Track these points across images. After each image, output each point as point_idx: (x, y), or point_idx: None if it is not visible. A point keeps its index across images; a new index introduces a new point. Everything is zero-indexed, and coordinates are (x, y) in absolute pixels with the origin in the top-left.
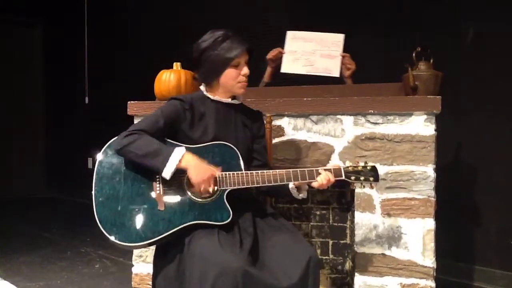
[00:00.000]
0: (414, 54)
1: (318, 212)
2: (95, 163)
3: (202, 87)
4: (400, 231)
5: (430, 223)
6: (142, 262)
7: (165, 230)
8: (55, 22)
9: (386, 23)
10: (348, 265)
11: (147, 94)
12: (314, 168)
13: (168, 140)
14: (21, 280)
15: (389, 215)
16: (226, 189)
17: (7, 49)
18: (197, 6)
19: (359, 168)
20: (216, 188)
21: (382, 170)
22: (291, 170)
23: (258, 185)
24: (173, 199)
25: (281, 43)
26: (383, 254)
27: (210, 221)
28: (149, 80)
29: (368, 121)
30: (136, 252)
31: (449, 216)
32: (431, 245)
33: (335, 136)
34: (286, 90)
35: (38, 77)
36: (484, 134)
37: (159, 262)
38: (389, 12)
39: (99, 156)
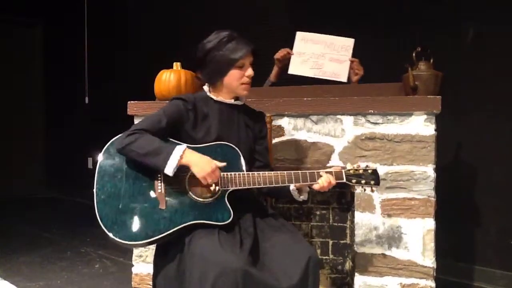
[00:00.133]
0: (414, 54)
1: (318, 212)
2: (95, 163)
3: (205, 88)
4: (400, 231)
5: (430, 223)
6: (142, 262)
7: (166, 229)
8: (55, 22)
9: (386, 23)
10: (348, 265)
11: (147, 94)
12: (315, 171)
13: (171, 139)
14: (21, 280)
15: (389, 215)
16: (227, 189)
17: (7, 49)
18: (197, 6)
19: (360, 171)
20: (217, 188)
21: (382, 170)
22: (292, 172)
23: (260, 186)
24: (175, 198)
25: (281, 43)
26: (383, 254)
27: (211, 221)
28: (149, 80)
29: (368, 121)
30: (136, 252)
31: (449, 216)
32: (431, 245)
33: (335, 136)
34: (286, 90)
35: (38, 77)
36: (484, 134)
37: (159, 261)
38: (389, 12)
39: (101, 154)
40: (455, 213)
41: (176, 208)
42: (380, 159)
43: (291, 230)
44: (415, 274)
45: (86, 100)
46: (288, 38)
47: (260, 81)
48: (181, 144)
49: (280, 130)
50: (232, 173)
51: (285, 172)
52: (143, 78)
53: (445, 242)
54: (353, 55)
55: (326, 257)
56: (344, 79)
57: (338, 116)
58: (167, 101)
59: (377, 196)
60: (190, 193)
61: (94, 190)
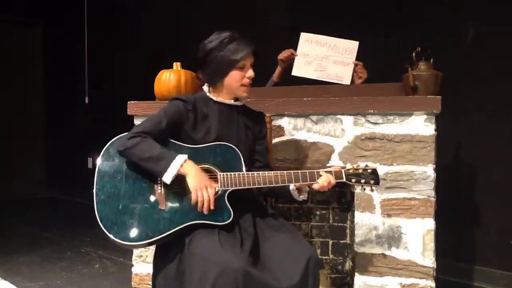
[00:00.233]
0: (414, 54)
1: (318, 212)
2: (95, 163)
3: (205, 88)
4: (400, 231)
5: (430, 223)
6: (142, 262)
7: (166, 229)
8: (55, 22)
9: (386, 23)
10: (348, 265)
11: (147, 94)
12: (315, 170)
13: (171, 140)
14: (21, 280)
15: (389, 215)
16: (227, 190)
17: (7, 49)
18: (197, 6)
19: (360, 170)
20: (217, 188)
21: (382, 170)
22: (292, 171)
23: (259, 186)
24: (175, 198)
25: (281, 43)
26: (383, 254)
27: (211, 221)
28: (149, 80)
29: (368, 121)
30: (136, 252)
31: (449, 216)
32: (431, 245)
33: (335, 136)
34: (286, 90)
35: (38, 77)
36: (484, 134)
37: (159, 262)
38: (389, 12)
39: (101, 155)
40: (455, 213)
41: (176, 209)
42: (380, 159)
43: (291, 230)
44: (415, 274)
45: (86, 100)
46: (288, 38)
47: (260, 81)
48: (182, 150)
49: (280, 130)
50: (232, 173)
51: (285, 172)
52: (143, 78)
53: (445, 242)
54: (356, 56)
55: (326, 257)
56: (347, 82)
57: (338, 116)
58: (167, 101)
59: (377, 196)
60: (190, 194)
61: (94, 190)
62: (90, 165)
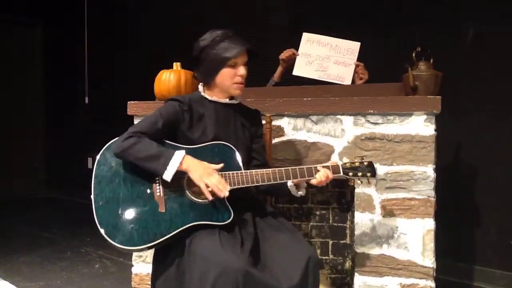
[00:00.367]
0: (414, 54)
1: (318, 212)
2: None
3: (200, 87)
4: (400, 231)
5: (430, 223)
6: (142, 262)
7: (167, 232)
8: (55, 22)
9: (386, 23)
10: (348, 265)
11: (147, 94)
12: (312, 166)
13: (167, 141)
14: (21, 280)
15: (389, 215)
16: None
17: (7, 49)
18: (197, 6)
19: (356, 164)
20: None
21: (382, 170)
22: (290, 168)
23: (258, 184)
24: (174, 200)
25: (281, 43)
26: (383, 254)
27: (211, 221)
28: (149, 80)
29: (368, 121)
30: (136, 252)
31: (449, 216)
32: (431, 245)
33: (335, 136)
34: (286, 90)
35: (38, 77)
36: (484, 134)
37: (159, 262)
38: (389, 12)
39: (97, 159)
40: (455, 213)
41: (176, 210)
42: (380, 159)
43: (291, 230)
44: (415, 274)
45: (86, 100)
46: (288, 38)
47: (260, 81)
48: (180, 149)
49: (280, 130)
50: (230, 172)
51: (283, 168)
52: (143, 78)
53: (445, 242)
54: (357, 57)
55: (326, 257)
56: (348, 82)
57: (338, 116)
58: None
59: (377, 196)
60: (189, 194)
61: (92, 196)
62: (90, 165)
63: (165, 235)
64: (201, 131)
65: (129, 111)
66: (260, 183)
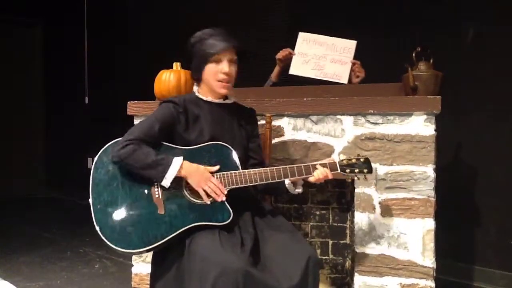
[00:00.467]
0: (414, 54)
1: (318, 212)
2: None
3: (194, 88)
4: (400, 231)
5: (430, 223)
6: (142, 262)
7: (167, 233)
8: (55, 22)
9: (386, 23)
10: (348, 265)
11: (147, 94)
12: (310, 164)
13: (165, 143)
14: (21, 280)
15: (389, 215)
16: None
17: (7, 49)
18: (197, 6)
19: (353, 160)
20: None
21: (382, 170)
22: (287, 166)
23: (256, 183)
24: (173, 202)
25: (280, 43)
26: (383, 254)
27: (211, 222)
28: (149, 80)
29: (368, 121)
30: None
31: (449, 216)
32: (431, 245)
33: (335, 136)
34: (286, 90)
35: (38, 77)
36: (484, 134)
37: (158, 262)
38: (389, 12)
39: (94, 162)
40: (455, 213)
41: (176, 212)
42: (380, 159)
43: (290, 230)
44: (415, 274)
45: (86, 100)
46: (288, 38)
47: (260, 81)
48: (177, 155)
49: (280, 130)
50: (228, 172)
51: (281, 167)
52: (143, 78)
53: (445, 242)
54: (354, 56)
55: (326, 257)
56: (345, 80)
57: (338, 116)
58: None
59: (377, 196)
60: (188, 195)
61: (90, 200)
62: (90, 165)
63: (166, 237)
64: (198, 132)
65: (129, 111)
66: (259, 182)
